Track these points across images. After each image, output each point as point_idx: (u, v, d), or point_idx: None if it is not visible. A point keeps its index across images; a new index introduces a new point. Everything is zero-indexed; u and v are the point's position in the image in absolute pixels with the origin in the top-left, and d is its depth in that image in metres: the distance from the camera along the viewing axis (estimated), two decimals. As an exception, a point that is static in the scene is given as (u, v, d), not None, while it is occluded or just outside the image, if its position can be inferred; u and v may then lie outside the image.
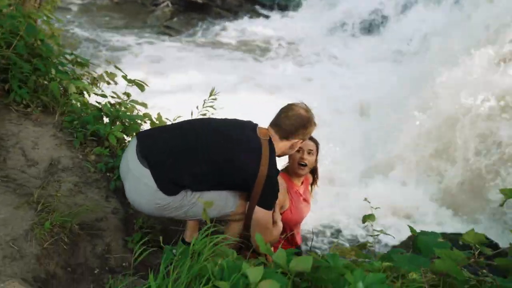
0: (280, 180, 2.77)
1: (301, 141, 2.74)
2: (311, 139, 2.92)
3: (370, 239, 3.05)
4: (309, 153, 2.90)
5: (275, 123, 2.70)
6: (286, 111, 2.70)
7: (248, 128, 2.69)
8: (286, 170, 2.99)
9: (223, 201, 2.62)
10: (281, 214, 2.86)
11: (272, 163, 2.59)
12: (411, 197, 7.09)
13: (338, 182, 7.45)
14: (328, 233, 6.63)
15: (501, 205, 2.16)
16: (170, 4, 15.48)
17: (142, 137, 2.63)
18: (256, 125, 2.74)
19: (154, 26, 14.52)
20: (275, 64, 12.16)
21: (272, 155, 2.61)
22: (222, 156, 2.52)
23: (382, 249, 4.66)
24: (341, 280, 1.90)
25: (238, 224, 2.70)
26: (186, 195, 2.51)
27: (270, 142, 2.63)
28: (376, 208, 3.12)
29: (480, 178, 6.79)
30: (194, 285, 1.92)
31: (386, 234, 2.99)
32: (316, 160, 2.98)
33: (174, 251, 2.34)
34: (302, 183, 3.06)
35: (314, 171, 3.10)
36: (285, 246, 2.89)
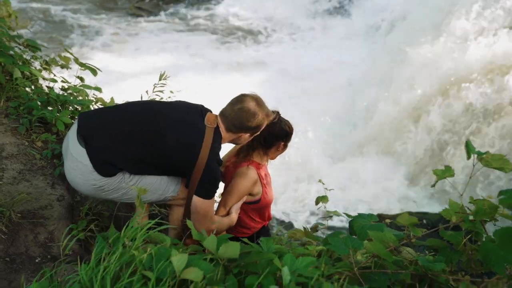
0: (252, 172, 2.76)
1: (249, 135, 2.67)
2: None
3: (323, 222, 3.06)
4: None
5: (222, 113, 2.63)
6: (235, 103, 2.62)
7: (195, 112, 2.63)
8: (257, 156, 2.92)
9: (163, 186, 2.58)
10: (256, 201, 2.88)
11: (214, 152, 2.53)
12: (381, 175, 7.19)
13: (313, 161, 7.50)
14: (304, 213, 6.71)
15: (433, 186, 2.17)
16: (141, -15, 15.18)
17: (83, 117, 2.59)
18: (207, 110, 2.67)
19: (125, 8, 14.24)
20: (245, 44, 12.08)
21: (215, 144, 2.54)
22: (158, 138, 2.47)
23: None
24: (270, 265, 1.90)
25: (181, 209, 2.67)
26: (123, 177, 2.47)
27: (216, 130, 2.57)
28: (330, 189, 3.14)
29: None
30: (123, 274, 1.89)
31: (339, 215, 3.01)
32: None
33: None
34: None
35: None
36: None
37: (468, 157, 2.04)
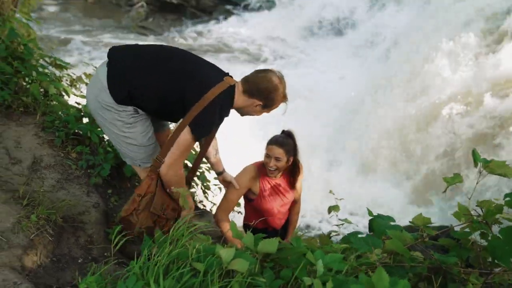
0: (251, 167, 3.03)
1: (261, 104, 2.80)
2: (280, 144, 3.02)
3: (336, 229, 3.30)
4: (277, 160, 3.03)
5: (245, 77, 2.82)
6: (260, 71, 2.82)
7: (218, 70, 2.86)
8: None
9: (145, 143, 2.82)
10: (252, 199, 3.13)
11: (223, 99, 2.69)
12: (379, 191, 7.41)
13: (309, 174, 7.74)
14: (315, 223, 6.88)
15: (444, 191, 2.43)
16: (145, 5, 15.59)
17: (114, 48, 2.82)
18: (227, 73, 2.88)
19: (129, 27, 14.63)
20: (247, 62, 12.41)
21: (226, 96, 2.70)
22: (181, 70, 2.69)
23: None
24: (302, 259, 2.15)
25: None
26: (126, 111, 2.69)
27: (231, 88, 2.74)
28: (341, 199, 3.39)
29: (445, 174, 7.13)
30: (173, 267, 2.13)
31: (350, 223, 3.25)
32: (288, 161, 3.10)
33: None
34: (281, 175, 3.25)
35: (292, 167, 3.21)
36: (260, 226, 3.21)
37: (475, 165, 2.30)
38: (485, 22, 8.09)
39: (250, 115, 2.93)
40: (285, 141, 3.03)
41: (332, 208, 3.30)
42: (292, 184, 3.26)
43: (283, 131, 3.11)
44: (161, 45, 2.94)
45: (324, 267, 2.05)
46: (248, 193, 3.18)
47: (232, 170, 3.29)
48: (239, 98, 2.79)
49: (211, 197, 4.03)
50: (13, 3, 5.86)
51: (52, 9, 15.17)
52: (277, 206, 3.26)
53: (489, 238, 2.24)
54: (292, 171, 3.21)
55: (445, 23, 8.80)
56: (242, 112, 2.91)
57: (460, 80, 7.58)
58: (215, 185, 3.91)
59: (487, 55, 7.60)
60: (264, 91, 2.77)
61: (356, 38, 13.07)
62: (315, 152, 8.10)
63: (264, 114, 2.95)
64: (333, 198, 3.28)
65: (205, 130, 2.75)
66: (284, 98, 2.88)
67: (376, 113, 8.34)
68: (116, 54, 2.76)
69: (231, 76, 2.85)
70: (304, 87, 10.56)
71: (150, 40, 13.71)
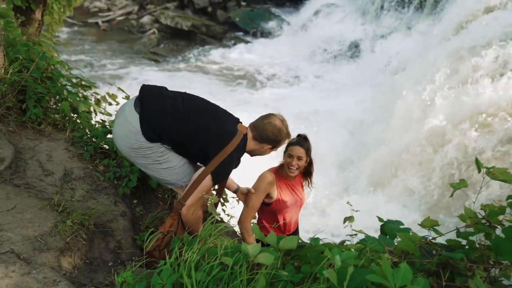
0: (268, 174, 3.26)
1: (270, 147, 3.19)
2: (301, 145, 3.31)
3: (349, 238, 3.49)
4: (298, 159, 3.30)
5: (253, 124, 3.17)
6: (264, 117, 3.18)
7: (231, 118, 3.17)
8: (281, 167, 3.42)
9: (181, 172, 3.09)
10: (269, 203, 3.35)
11: (239, 150, 3.03)
12: (390, 210, 7.56)
13: (321, 194, 7.93)
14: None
15: (451, 196, 2.63)
16: (156, 32, 16.05)
17: (145, 87, 3.09)
18: (238, 119, 3.21)
19: (141, 53, 15.02)
20: (256, 88, 12.73)
21: (241, 145, 3.04)
22: (202, 129, 2.96)
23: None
24: (321, 256, 2.35)
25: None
26: (156, 150, 2.96)
27: (245, 136, 3.08)
28: (357, 211, 3.58)
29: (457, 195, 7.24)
30: (203, 262, 2.34)
31: (364, 233, 3.44)
32: (307, 161, 3.37)
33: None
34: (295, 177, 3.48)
35: (309, 166, 3.48)
36: (277, 232, 3.37)
37: (479, 171, 2.51)
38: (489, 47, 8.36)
39: (260, 155, 3.30)
40: (304, 142, 3.33)
41: (347, 219, 3.49)
42: (309, 181, 3.54)
43: (299, 135, 3.38)
44: (185, 93, 3.19)
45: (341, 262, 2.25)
46: (264, 198, 3.39)
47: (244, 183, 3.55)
48: (250, 143, 3.14)
49: (229, 209, 4.24)
50: (38, 29, 6.20)
51: (65, 35, 15.65)
52: (293, 206, 3.49)
53: (493, 237, 2.44)
54: (308, 170, 3.49)
55: (450, 49, 9.09)
56: (252, 154, 3.27)
57: (470, 102, 7.78)
58: (232, 197, 4.12)
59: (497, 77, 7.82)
60: (271, 136, 3.14)
61: (359, 64, 13.41)
62: (325, 173, 8.31)
63: None
64: (349, 213, 3.48)
65: (224, 177, 3.15)
66: (288, 136, 3.24)
67: (382, 135, 8.58)
68: (147, 96, 3.01)
69: (241, 122, 3.19)
70: (311, 111, 10.86)
71: (161, 65, 14.09)
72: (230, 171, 3.12)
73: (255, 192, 3.33)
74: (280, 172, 3.40)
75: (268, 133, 3.12)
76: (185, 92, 3.22)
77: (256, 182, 3.37)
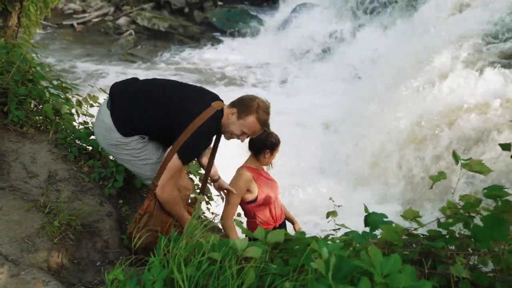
0: (244, 171, 3.34)
1: (235, 111, 3.03)
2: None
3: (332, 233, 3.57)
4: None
5: (231, 102, 3.11)
6: (246, 96, 3.14)
7: (208, 95, 3.14)
8: (251, 162, 3.53)
9: (158, 163, 3.06)
10: (254, 200, 3.43)
11: (209, 125, 2.92)
12: (372, 206, 7.66)
13: (303, 193, 8.01)
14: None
15: (430, 188, 2.73)
16: (133, 33, 15.95)
17: (114, 85, 3.15)
18: (217, 97, 3.16)
19: (118, 54, 14.89)
20: (234, 88, 12.77)
21: (212, 121, 2.94)
22: (170, 100, 2.98)
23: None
24: (308, 249, 2.42)
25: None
26: (134, 140, 2.99)
27: (219, 112, 2.98)
28: (339, 206, 3.66)
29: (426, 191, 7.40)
30: (192, 257, 2.39)
31: (347, 228, 3.52)
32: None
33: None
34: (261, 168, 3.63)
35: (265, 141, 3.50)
36: (272, 224, 3.52)
37: (456, 163, 2.61)
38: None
39: (230, 131, 3.11)
40: None
41: (331, 214, 3.57)
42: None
43: (265, 131, 3.40)
44: (155, 79, 3.23)
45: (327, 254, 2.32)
46: (245, 196, 3.46)
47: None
48: (228, 119, 3.06)
49: (214, 208, 4.28)
50: (15, 31, 6.15)
51: (40, 37, 15.42)
52: (274, 192, 3.60)
53: (471, 227, 2.54)
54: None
55: (429, 45, 9.26)
56: (225, 129, 3.13)
57: (446, 99, 7.94)
58: (217, 195, 4.16)
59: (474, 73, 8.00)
60: (244, 100, 3.08)
61: (337, 62, 13.54)
62: (306, 170, 8.40)
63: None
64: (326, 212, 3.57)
65: (191, 155, 3.03)
66: (265, 124, 3.16)
67: (359, 131, 8.71)
68: (115, 93, 3.08)
69: (221, 100, 3.12)
70: (291, 109, 10.94)
71: (139, 67, 14.01)
72: (200, 149, 3.04)
73: (235, 189, 3.40)
74: (252, 167, 3.50)
75: (242, 97, 3.10)
76: (155, 78, 3.27)
77: (234, 179, 3.45)
